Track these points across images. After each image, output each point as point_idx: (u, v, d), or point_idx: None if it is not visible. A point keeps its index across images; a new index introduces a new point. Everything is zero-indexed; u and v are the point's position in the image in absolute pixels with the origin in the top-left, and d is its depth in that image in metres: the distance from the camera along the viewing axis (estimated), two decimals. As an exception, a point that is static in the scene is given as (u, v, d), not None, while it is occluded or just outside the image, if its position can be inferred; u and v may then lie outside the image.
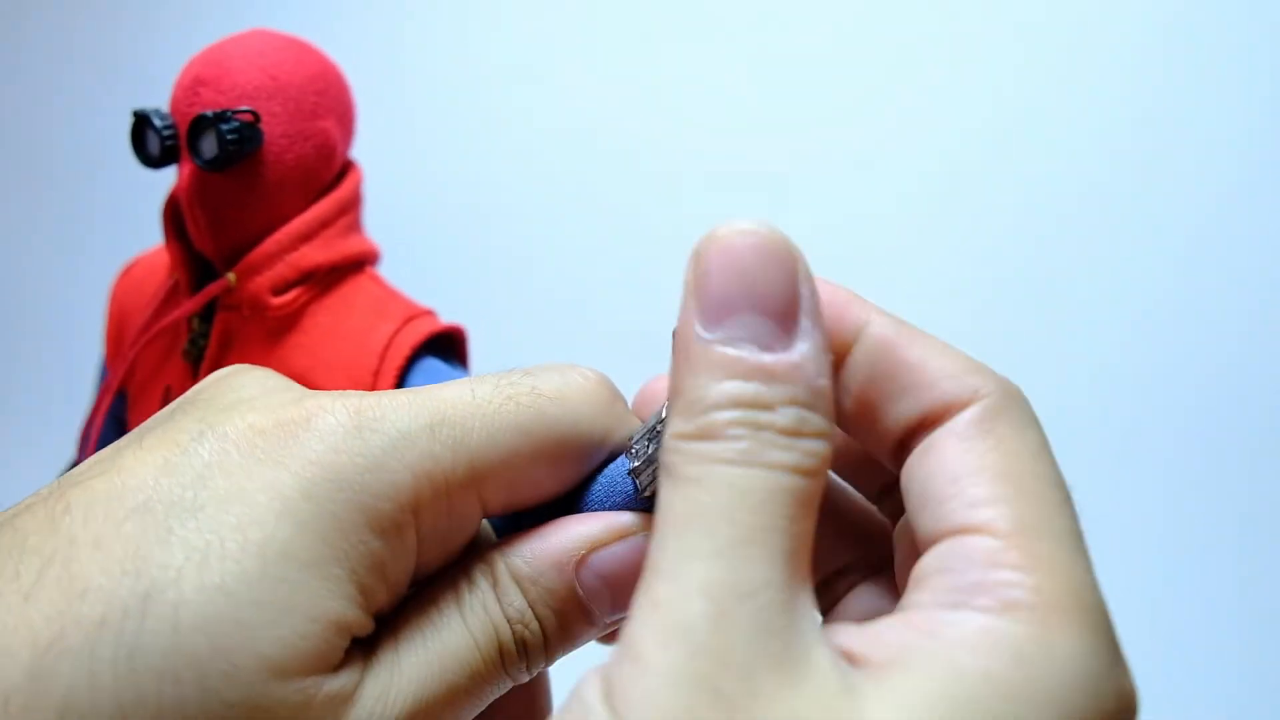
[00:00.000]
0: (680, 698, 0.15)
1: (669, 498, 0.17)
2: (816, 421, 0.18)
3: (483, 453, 0.21)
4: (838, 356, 0.20)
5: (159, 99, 0.44)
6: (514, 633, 0.22)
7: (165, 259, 0.46)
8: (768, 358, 0.18)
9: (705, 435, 0.17)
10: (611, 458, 0.25)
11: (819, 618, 0.17)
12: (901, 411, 0.19)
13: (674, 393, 0.18)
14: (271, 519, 0.19)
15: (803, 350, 0.18)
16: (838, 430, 0.21)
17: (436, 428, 0.21)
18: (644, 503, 0.23)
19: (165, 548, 0.18)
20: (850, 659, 0.16)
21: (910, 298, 0.80)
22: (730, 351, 0.18)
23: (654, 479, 0.22)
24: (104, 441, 0.43)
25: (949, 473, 0.18)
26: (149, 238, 0.49)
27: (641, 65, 0.88)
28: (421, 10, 0.94)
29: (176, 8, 1.02)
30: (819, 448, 0.18)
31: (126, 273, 0.47)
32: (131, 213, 0.80)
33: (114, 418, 0.45)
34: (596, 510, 0.24)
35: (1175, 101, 0.74)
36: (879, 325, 0.20)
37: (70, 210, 1.09)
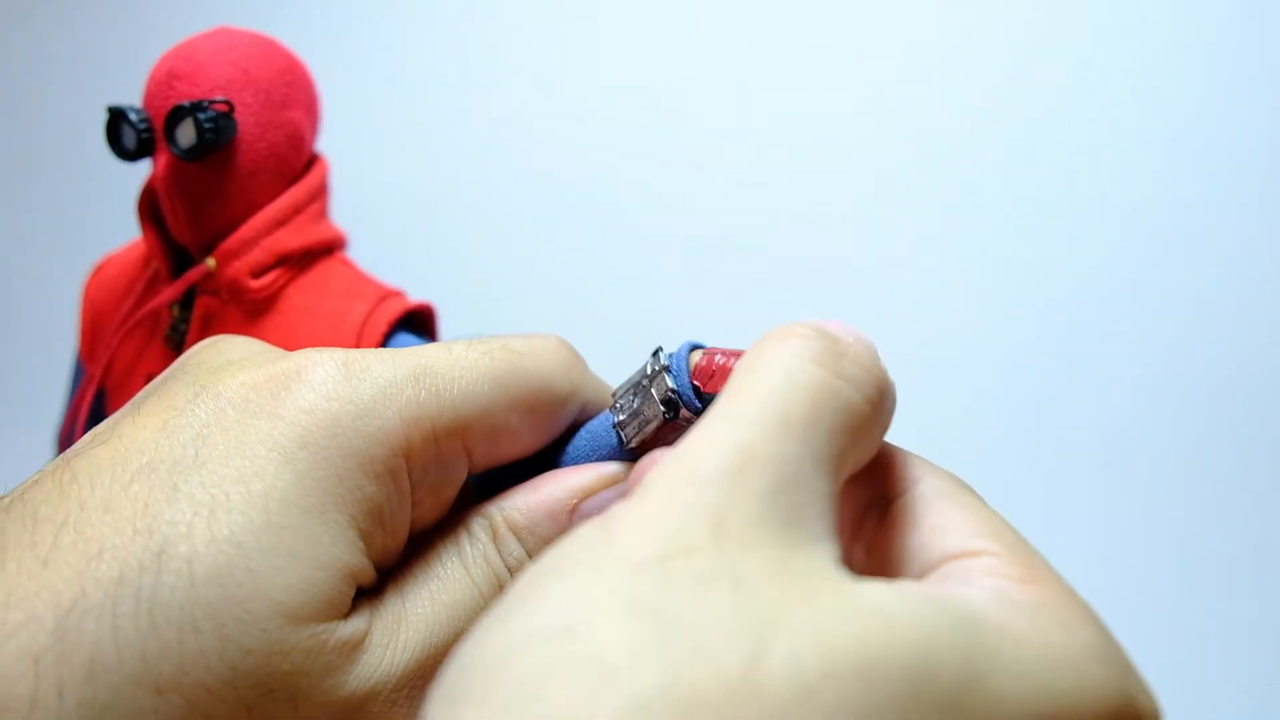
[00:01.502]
0: (678, 525, 0.15)
1: (731, 382, 0.18)
2: (879, 375, 0.18)
3: (464, 401, 0.22)
4: None
5: (123, 96, 0.46)
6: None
7: (135, 256, 0.47)
8: (851, 335, 0.19)
9: (784, 335, 0.18)
10: (580, 416, 0.27)
11: (837, 544, 0.16)
12: (857, 495, 0.20)
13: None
14: (271, 469, 0.20)
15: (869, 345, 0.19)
16: None
17: (420, 377, 0.22)
18: (629, 454, 0.25)
19: (173, 505, 0.19)
20: None
21: (915, 300, 0.83)
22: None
23: (639, 431, 0.24)
24: (87, 431, 0.44)
25: (932, 523, 0.18)
26: (115, 236, 0.50)
27: (605, 51, 0.90)
28: (377, 6, 0.96)
29: (140, 9, 1.02)
30: (876, 395, 0.18)
31: (98, 271, 0.48)
32: (99, 212, 0.80)
33: (93, 414, 0.46)
34: (583, 461, 0.25)
35: (1188, 116, 0.78)
36: None
37: (37, 211, 1.08)
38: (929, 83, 0.83)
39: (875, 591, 0.15)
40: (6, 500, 0.20)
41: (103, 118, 0.41)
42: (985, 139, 0.82)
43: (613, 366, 0.29)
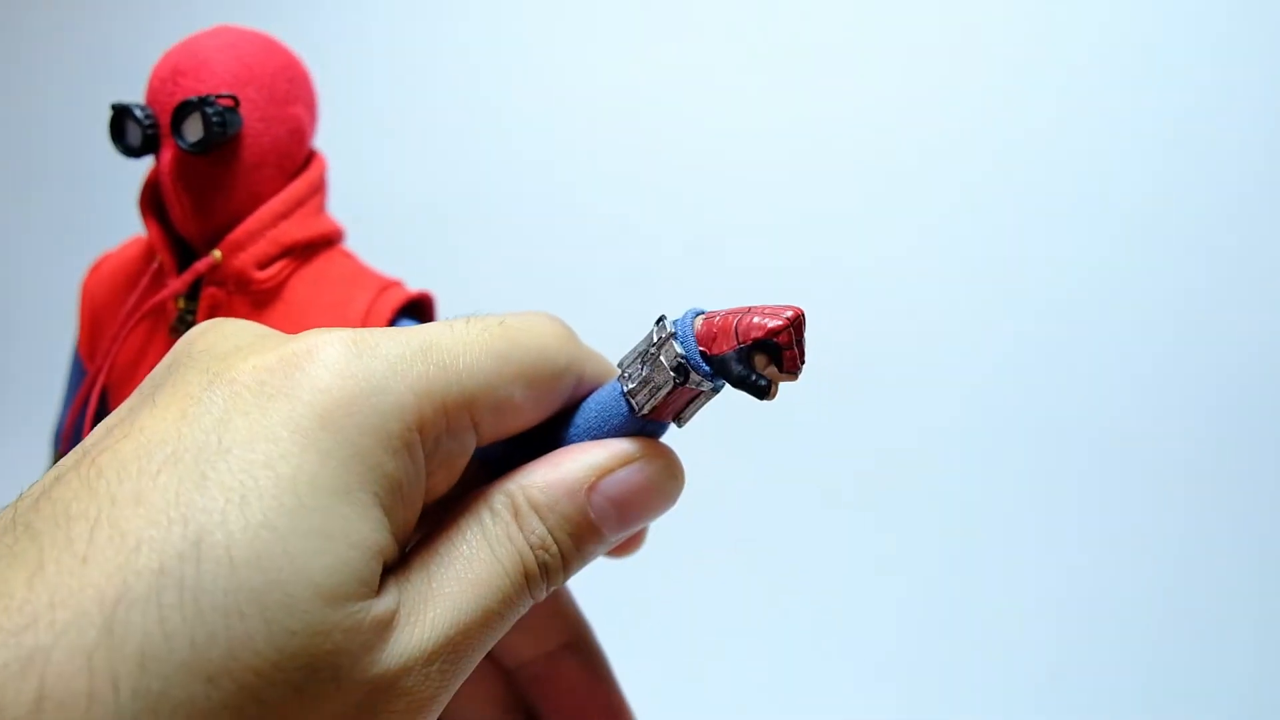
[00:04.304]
0: None
1: None
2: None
3: (470, 375, 0.23)
4: None
5: (121, 96, 0.46)
6: (536, 558, 0.23)
7: (134, 253, 0.48)
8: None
9: None
10: (578, 387, 0.28)
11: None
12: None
13: None
14: (296, 451, 0.20)
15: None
16: None
17: (428, 352, 0.23)
18: (639, 422, 0.25)
19: (204, 493, 0.19)
20: None
21: (915, 299, 0.84)
22: None
23: (650, 398, 0.25)
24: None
25: None
26: (114, 236, 0.51)
27: (606, 46, 0.91)
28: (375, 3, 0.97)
29: (135, 8, 1.02)
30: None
31: (96, 269, 0.48)
32: (96, 212, 0.78)
33: (98, 410, 0.47)
34: (594, 432, 0.26)
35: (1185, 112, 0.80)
36: None
37: (35, 211, 1.06)
38: (929, 83, 0.84)
39: None
40: (31, 499, 0.20)
41: (100, 117, 0.41)
42: (986, 139, 0.83)
43: (609, 352, 0.30)
